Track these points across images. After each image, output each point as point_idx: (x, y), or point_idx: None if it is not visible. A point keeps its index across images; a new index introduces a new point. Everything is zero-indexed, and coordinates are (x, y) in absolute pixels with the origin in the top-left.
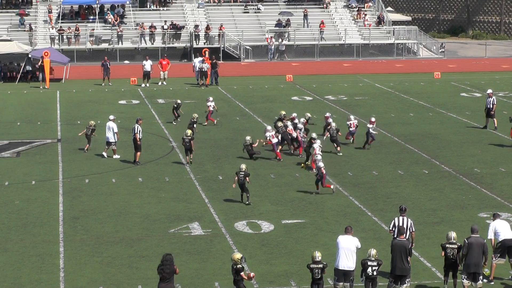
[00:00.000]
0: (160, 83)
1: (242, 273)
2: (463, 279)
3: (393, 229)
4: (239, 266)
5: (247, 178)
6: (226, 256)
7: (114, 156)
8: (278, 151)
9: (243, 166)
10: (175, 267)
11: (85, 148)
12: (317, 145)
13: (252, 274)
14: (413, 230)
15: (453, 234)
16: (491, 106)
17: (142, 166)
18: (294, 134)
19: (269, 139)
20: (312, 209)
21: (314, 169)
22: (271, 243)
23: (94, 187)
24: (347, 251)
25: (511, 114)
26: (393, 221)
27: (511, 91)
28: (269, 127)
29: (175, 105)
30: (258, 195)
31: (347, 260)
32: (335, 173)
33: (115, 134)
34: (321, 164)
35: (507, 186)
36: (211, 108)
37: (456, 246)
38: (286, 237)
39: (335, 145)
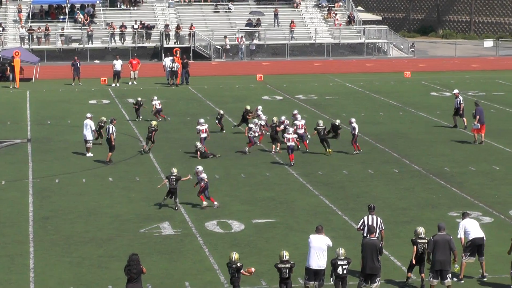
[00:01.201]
0: (130, 83)
1: (242, 271)
2: (430, 278)
3: (362, 228)
4: (239, 264)
5: (178, 182)
6: (196, 256)
7: (88, 154)
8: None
9: (174, 170)
10: (142, 266)
11: (100, 142)
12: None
13: (252, 269)
14: (383, 228)
15: (422, 229)
16: (459, 106)
17: (112, 166)
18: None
19: (199, 132)
20: (282, 208)
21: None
22: (242, 242)
23: (64, 187)
24: (319, 251)
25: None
26: (363, 219)
27: (481, 90)
28: (201, 120)
29: (136, 105)
30: (229, 195)
31: (318, 260)
32: (306, 173)
33: (93, 132)
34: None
35: (477, 185)
36: (157, 106)
37: (426, 241)
38: (256, 237)
39: (326, 145)
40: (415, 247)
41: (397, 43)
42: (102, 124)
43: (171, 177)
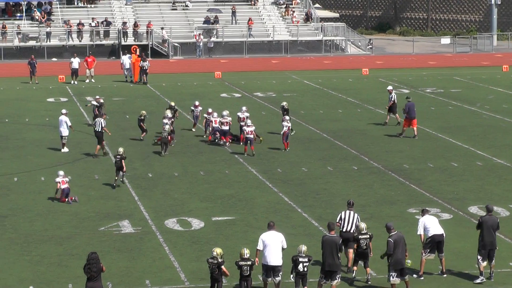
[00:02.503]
0: (87, 81)
1: (223, 267)
2: (393, 277)
3: (340, 222)
4: (220, 260)
5: (123, 161)
6: (156, 254)
7: (63, 150)
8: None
9: (121, 150)
10: (101, 265)
11: (141, 136)
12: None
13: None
14: (359, 223)
15: (363, 225)
16: (392, 102)
17: (71, 164)
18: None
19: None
20: (241, 206)
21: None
22: (201, 240)
23: (22, 185)
24: (274, 247)
25: (437, 110)
26: (340, 214)
27: (438, 87)
28: (225, 112)
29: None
30: (188, 192)
31: (274, 256)
32: (265, 170)
33: (70, 128)
34: None
35: (436, 181)
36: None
37: (368, 236)
38: (216, 234)
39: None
40: (356, 243)
41: (355, 40)
42: (142, 118)
43: (117, 156)
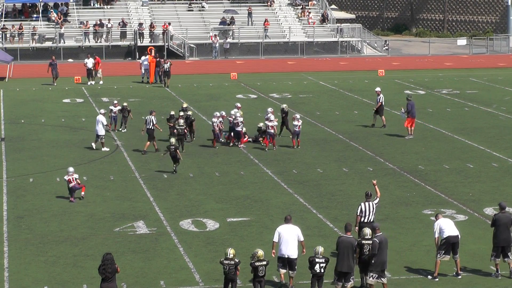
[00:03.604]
0: (100, 82)
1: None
2: (373, 278)
3: (360, 214)
4: (236, 260)
5: (177, 150)
6: (171, 255)
7: (103, 149)
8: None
9: (173, 140)
10: (116, 266)
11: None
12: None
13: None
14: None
15: (368, 231)
16: (380, 104)
17: (86, 164)
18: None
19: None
20: (257, 207)
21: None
22: (216, 241)
23: (38, 186)
24: (290, 239)
25: (453, 112)
26: (360, 206)
27: (454, 89)
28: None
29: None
30: (203, 193)
31: (291, 248)
32: (280, 171)
33: (106, 126)
34: None
35: (451, 183)
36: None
37: (372, 242)
38: (231, 235)
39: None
40: (358, 249)
41: (371, 41)
42: (193, 119)
43: (171, 146)
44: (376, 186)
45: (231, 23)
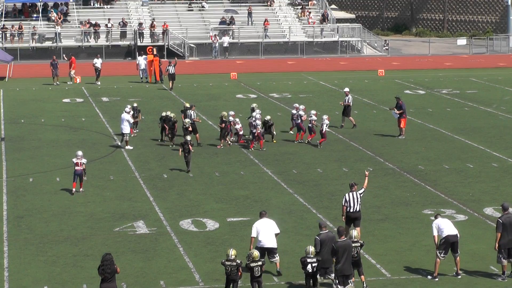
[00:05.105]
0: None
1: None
2: (337, 286)
3: (345, 204)
4: (238, 261)
5: (191, 146)
6: (171, 255)
7: (127, 147)
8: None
9: (188, 138)
10: (116, 266)
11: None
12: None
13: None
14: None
15: (355, 232)
16: (348, 105)
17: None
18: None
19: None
20: (257, 207)
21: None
22: (216, 241)
23: (38, 186)
24: (267, 231)
25: (453, 112)
26: (344, 197)
27: (454, 89)
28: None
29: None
30: (203, 193)
31: (269, 239)
32: (280, 171)
33: (131, 124)
34: None
35: (451, 183)
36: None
37: (359, 244)
38: (231, 235)
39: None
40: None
41: (371, 41)
42: (225, 120)
43: (185, 143)
44: (366, 178)
45: (231, 23)
